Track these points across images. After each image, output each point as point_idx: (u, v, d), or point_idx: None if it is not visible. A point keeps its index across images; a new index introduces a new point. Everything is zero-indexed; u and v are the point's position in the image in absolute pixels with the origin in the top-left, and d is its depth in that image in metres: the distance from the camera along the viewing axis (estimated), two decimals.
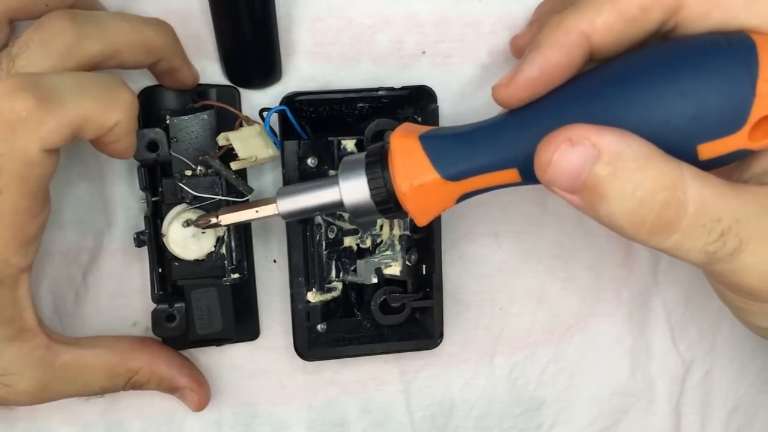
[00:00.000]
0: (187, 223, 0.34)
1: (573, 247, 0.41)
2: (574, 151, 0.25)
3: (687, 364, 0.43)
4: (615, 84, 0.26)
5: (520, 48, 0.36)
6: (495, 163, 0.28)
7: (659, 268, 0.42)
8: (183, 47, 0.34)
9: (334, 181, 0.30)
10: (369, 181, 0.29)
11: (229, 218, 0.32)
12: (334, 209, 0.31)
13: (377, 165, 0.29)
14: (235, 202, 0.34)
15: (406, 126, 0.30)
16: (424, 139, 0.29)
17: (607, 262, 0.42)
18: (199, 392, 0.36)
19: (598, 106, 0.26)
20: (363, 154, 0.30)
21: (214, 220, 0.32)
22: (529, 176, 0.28)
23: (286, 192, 0.31)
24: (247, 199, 0.35)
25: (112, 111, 0.29)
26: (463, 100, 0.38)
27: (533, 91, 0.27)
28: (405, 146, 0.29)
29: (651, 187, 0.25)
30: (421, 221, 0.30)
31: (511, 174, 0.28)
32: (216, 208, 0.34)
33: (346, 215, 0.37)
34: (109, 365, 0.34)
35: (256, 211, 0.32)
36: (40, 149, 0.28)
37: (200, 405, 0.37)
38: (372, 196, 0.29)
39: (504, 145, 0.28)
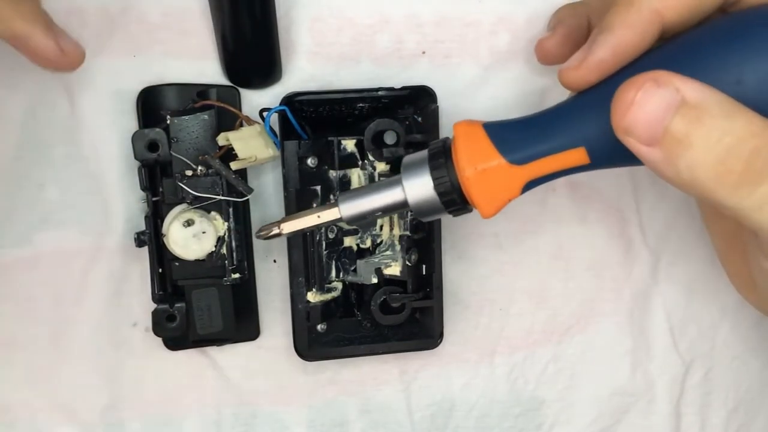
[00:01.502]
0: (188, 223, 0.34)
1: (573, 247, 0.41)
2: (658, 92, 0.24)
3: (687, 364, 0.43)
4: (685, 50, 0.26)
5: (548, 52, 0.35)
6: (562, 143, 0.27)
7: (659, 268, 0.42)
8: (38, 13, 0.30)
9: (396, 181, 0.30)
10: (432, 171, 0.29)
11: (290, 226, 0.31)
12: (397, 210, 0.30)
13: (441, 156, 0.29)
14: (235, 203, 0.34)
15: (467, 120, 0.30)
16: (487, 126, 0.29)
17: (607, 262, 0.42)
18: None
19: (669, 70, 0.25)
20: (425, 151, 0.30)
21: (276, 231, 0.31)
22: (597, 156, 0.27)
23: (348, 196, 0.31)
24: (247, 200, 0.35)
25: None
26: (463, 100, 0.38)
27: (603, 72, 0.27)
28: (469, 132, 0.28)
29: (740, 134, 0.24)
30: (487, 211, 0.29)
31: (579, 154, 0.27)
32: (217, 208, 0.34)
33: None
34: None
35: (318, 217, 0.31)
36: None
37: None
38: (435, 187, 0.29)
39: (571, 124, 0.27)
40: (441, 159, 0.29)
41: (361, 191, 0.31)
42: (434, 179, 0.29)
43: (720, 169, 0.24)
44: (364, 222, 0.34)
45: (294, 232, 0.32)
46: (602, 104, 0.26)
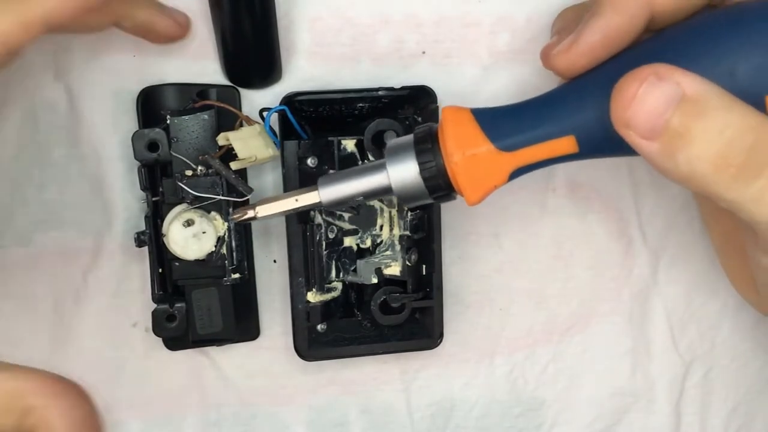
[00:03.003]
0: (188, 223, 0.34)
1: (573, 247, 0.41)
2: (660, 86, 0.24)
3: (687, 364, 0.43)
4: (677, 40, 0.26)
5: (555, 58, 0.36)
6: (551, 131, 0.27)
7: (659, 268, 0.42)
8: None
9: (380, 165, 0.29)
10: (418, 155, 0.28)
11: (266, 209, 0.31)
12: (380, 195, 0.30)
13: (427, 140, 0.28)
14: (235, 203, 0.34)
15: (454, 105, 0.29)
16: (476, 111, 0.28)
17: (607, 262, 0.42)
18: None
19: (662, 62, 0.25)
20: (410, 136, 0.29)
21: (251, 213, 0.31)
22: (586, 145, 0.27)
23: (328, 180, 0.30)
24: (248, 200, 0.35)
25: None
26: (463, 100, 0.38)
27: (592, 57, 0.27)
28: (457, 117, 0.28)
29: (740, 126, 0.24)
30: (472, 198, 0.28)
31: (568, 143, 0.27)
32: (217, 208, 0.34)
33: (346, 215, 0.37)
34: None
35: (296, 200, 0.30)
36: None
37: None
38: (421, 172, 0.28)
39: (561, 112, 0.27)
40: (428, 144, 0.28)
41: (343, 175, 0.30)
42: (420, 164, 0.28)
43: (719, 163, 0.24)
44: (345, 206, 0.33)
45: (270, 215, 0.31)
46: (592, 93, 0.26)
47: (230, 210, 0.35)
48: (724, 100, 0.24)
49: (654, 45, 0.27)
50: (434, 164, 0.28)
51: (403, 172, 0.29)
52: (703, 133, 0.24)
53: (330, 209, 0.31)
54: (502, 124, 0.28)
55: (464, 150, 0.28)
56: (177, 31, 0.34)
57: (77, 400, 0.26)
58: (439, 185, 0.28)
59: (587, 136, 0.27)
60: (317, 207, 0.31)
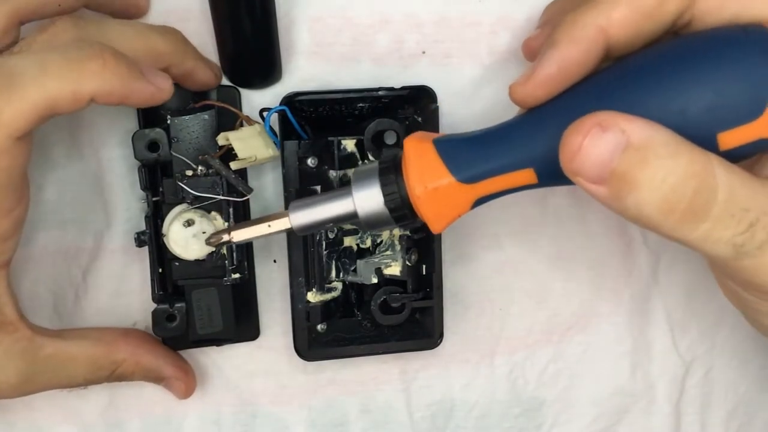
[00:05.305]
0: (188, 223, 0.34)
1: (573, 247, 0.41)
2: (604, 137, 0.24)
3: (687, 364, 0.43)
4: (631, 76, 0.26)
5: (534, 50, 0.36)
6: (510, 164, 0.28)
7: (659, 268, 0.42)
8: (196, 50, 0.34)
9: (347, 192, 0.30)
10: (382, 187, 0.29)
11: (240, 234, 0.32)
12: (347, 220, 0.30)
13: (391, 171, 0.29)
14: (235, 203, 0.34)
15: (419, 133, 0.30)
16: (438, 143, 0.29)
17: (607, 262, 0.42)
18: (185, 380, 0.37)
19: (614, 99, 0.26)
20: (376, 163, 0.30)
21: (226, 238, 0.32)
22: (545, 176, 0.27)
23: (298, 206, 0.31)
24: (248, 200, 0.35)
25: (81, 84, 0.28)
26: (463, 100, 0.38)
27: (551, 88, 0.27)
28: (419, 150, 0.28)
29: (683, 173, 0.24)
30: (436, 227, 0.29)
31: (527, 175, 0.28)
32: (217, 208, 0.34)
33: None
34: (93, 357, 0.33)
35: (269, 226, 0.31)
36: (6, 137, 0.27)
37: (186, 393, 0.37)
38: (386, 202, 0.29)
39: (520, 145, 0.28)
40: (391, 175, 0.29)
41: (312, 201, 0.31)
42: (385, 195, 0.29)
43: (665, 207, 0.25)
44: (316, 231, 0.35)
45: (244, 240, 0.32)
46: (549, 126, 0.27)
47: (230, 210, 0.35)
48: (669, 146, 0.24)
49: (609, 80, 0.27)
50: (398, 195, 0.29)
51: (368, 201, 0.29)
52: (648, 180, 0.24)
53: (301, 234, 0.31)
54: (464, 155, 0.28)
55: (426, 183, 0.28)
56: (213, 80, 0.35)
57: (151, 341, 0.36)
58: (404, 215, 0.29)
59: (545, 169, 0.27)
60: (289, 232, 0.31)
